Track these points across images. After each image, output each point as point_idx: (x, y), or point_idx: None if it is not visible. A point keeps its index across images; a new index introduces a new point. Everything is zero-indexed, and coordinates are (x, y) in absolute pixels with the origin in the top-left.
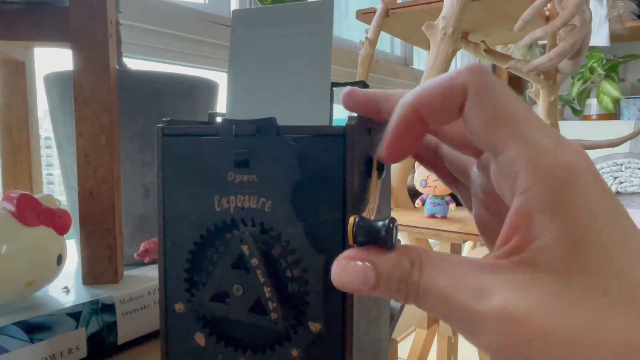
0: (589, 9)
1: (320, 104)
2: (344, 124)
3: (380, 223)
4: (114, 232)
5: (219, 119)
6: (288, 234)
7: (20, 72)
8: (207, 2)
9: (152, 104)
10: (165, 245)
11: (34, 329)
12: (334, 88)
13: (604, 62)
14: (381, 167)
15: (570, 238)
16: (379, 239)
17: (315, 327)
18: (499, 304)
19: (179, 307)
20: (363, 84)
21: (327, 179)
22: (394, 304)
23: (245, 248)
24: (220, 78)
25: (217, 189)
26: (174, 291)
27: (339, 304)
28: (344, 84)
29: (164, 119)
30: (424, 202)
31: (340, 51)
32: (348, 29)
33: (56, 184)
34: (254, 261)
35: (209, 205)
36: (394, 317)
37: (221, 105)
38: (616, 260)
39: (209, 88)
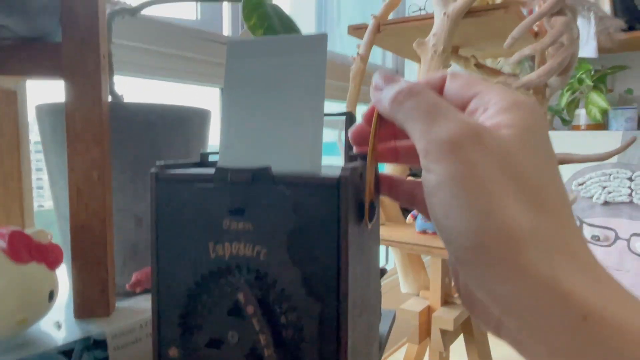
0: (577, 26)
1: (313, 142)
2: (338, 175)
3: None
4: (106, 265)
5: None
6: (283, 281)
7: (11, 100)
8: (199, 19)
9: (144, 135)
10: (159, 289)
11: None
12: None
13: (592, 73)
14: (372, 211)
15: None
16: None
17: None
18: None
19: (173, 352)
20: (349, 115)
21: (322, 227)
22: (382, 331)
23: (241, 296)
24: (211, 94)
25: (211, 235)
26: (168, 335)
27: (334, 350)
28: (331, 115)
29: (157, 163)
30: (415, 218)
31: (332, 64)
32: (341, 37)
33: (45, 188)
34: (250, 308)
35: (203, 252)
36: (381, 345)
37: (213, 135)
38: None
39: (202, 117)
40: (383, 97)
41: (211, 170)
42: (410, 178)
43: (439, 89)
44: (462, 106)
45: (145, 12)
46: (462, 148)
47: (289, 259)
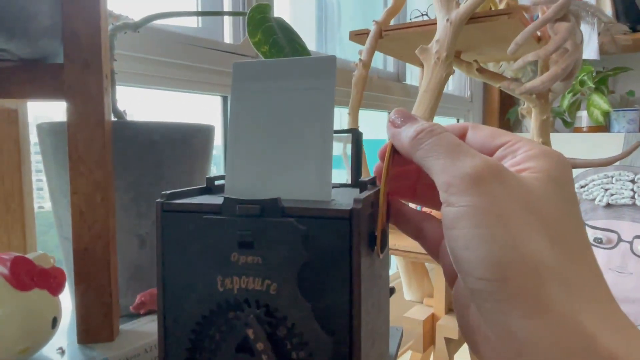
0: (580, 31)
1: (322, 170)
2: (350, 207)
3: None
4: (110, 289)
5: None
6: (294, 317)
7: (12, 119)
8: (200, 26)
9: (148, 154)
10: (165, 323)
11: None
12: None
13: (594, 74)
14: (384, 241)
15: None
16: None
17: None
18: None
19: None
20: (355, 132)
21: (333, 260)
22: (390, 351)
23: (250, 332)
24: (213, 102)
25: (219, 268)
26: None
27: None
28: (337, 132)
29: (163, 193)
30: None
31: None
32: (340, 41)
33: (45, 190)
34: (260, 345)
35: (211, 285)
36: None
37: (217, 150)
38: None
39: (205, 134)
40: (402, 134)
41: (219, 200)
42: (415, 207)
43: (460, 137)
44: (488, 155)
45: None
46: (485, 182)
47: (300, 294)
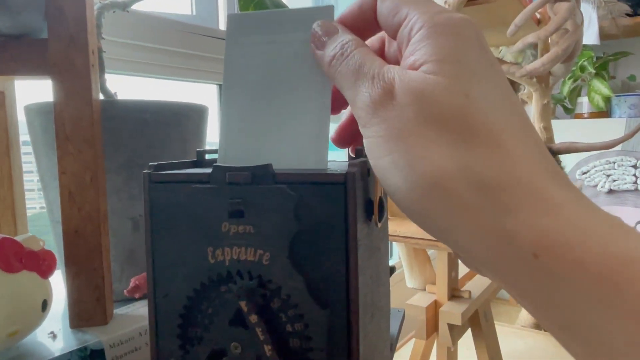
0: (581, 12)
1: (318, 135)
2: (345, 172)
3: None
4: (102, 272)
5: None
6: (288, 288)
7: (0, 102)
8: (194, 14)
9: (139, 134)
10: (155, 299)
11: None
12: None
13: (594, 60)
14: (381, 209)
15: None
16: None
17: None
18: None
19: None
20: None
21: (328, 229)
22: (392, 331)
23: (243, 304)
24: (209, 90)
25: (210, 240)
26: (167, 348)
27: None
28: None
29: (151, 164)
30: None
31: None
32: None
33: (36, 182)
34: (253, 318)
35: (202, 257)
36: (392, 346)
37: (211, 133)
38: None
39: (199, 114)
40: (324, 58)
41: (208, 170)
42: None
43: (373, 12)
44: (394, 35)
45: (140, 8)
46: (382, 107)
47: (294, 264)
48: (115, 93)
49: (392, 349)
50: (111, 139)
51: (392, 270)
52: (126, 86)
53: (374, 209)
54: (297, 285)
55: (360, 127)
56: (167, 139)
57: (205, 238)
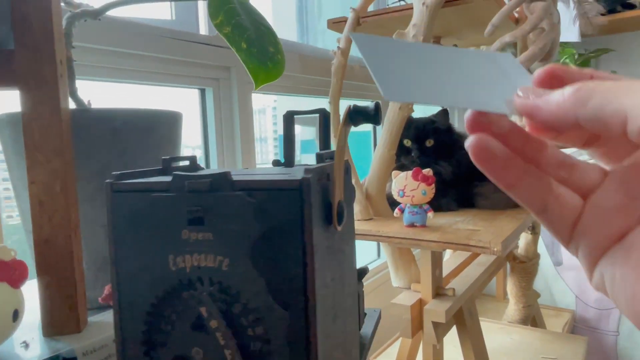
0: (557, 11)
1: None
2: (300, 178)
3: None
4: (74, 280)
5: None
6: (248, 292)
7: None
8: (174, 19)
9: (110, 142)
10: (120, 306)
11: None
12: (294, 116)
13: (576, 57)
14: (341, 213)
15: None
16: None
17: None
18: None
19: None
20: (323, 112)
21: (286, 233)
22: (366, 332)
23: (203, 310)
24: (189, 95)
25: (171, 247)
26: (132, 354)
27: None
28: (304, 113)
29: (113, 173)
30: (402, 211)
31: (313, 60)
32: (322, 32)
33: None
34: (213, 323)
35: (163, 265)
36: (364, 347)
37: (189, 137)
38: None
39: (172, 120)
40: (549, 100)
41: (169, 178)
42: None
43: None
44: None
45: (118, 14)
46: None
47: (253, 269)
48: (88, 101)
49: (365, 348)
50: (83, 148)
51: (364, 272)
52: (110, 94)
53: (333, 213)
54: (256, 289)
55: None
56: (140, 146)
57: (167, 246)
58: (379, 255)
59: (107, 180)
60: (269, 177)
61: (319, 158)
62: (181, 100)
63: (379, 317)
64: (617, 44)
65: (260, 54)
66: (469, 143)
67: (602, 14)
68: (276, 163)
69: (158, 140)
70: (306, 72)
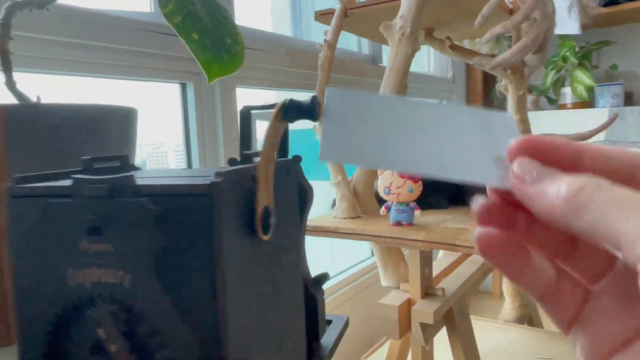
0: (552, 1)
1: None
2: (209, 182)
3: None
4: (4, 291)
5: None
6: (153, 312)
7: None
8: (152, 11)
9: (49, 140)
10: (21, 324)
11: None
12: (251, 112)
13: (577, 50)
14: (266, 220)
15: None
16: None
17: None
18: None
19: None
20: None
21: (194, 245)
22: (328, 341)
23: (101, 332)
24: (169, 89)
25: (69, 260)
26: None
27: None
28: (261, 107)
29: (15, 176)
30: (388, 210)
31: (298, 52)
32: (317, 25)
33: None
34: (113, 347)
35: (62, 280)
36: (323, 358)
37: (147, 133)
38: None
39: (122, 117)
40: (547, 193)
41: (69, 182)
42: None
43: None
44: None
45: (92, 5)
46: None
47: (158, 286)
48: (37, 97)
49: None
50: (19, 146)
51: (323, 279)
52: (87, 90)
53: (257, 221)
54: (162, 309)
55: None
56: (83, 145)
57: (65, 258)
58: (372, 253)
59: (7, 184)
60: (180, 180)
61: (232, 162)
62: (162, 96)
63: (346, 325)
64: (618, 36)
65: (215, 45)
66: (476, 237)
67: (603, 5)
68: (232, 162)
69: (105, 137)
70: (295, 65)
